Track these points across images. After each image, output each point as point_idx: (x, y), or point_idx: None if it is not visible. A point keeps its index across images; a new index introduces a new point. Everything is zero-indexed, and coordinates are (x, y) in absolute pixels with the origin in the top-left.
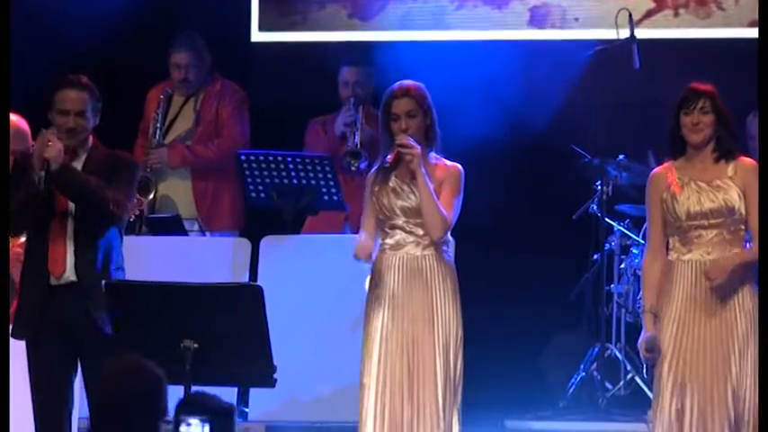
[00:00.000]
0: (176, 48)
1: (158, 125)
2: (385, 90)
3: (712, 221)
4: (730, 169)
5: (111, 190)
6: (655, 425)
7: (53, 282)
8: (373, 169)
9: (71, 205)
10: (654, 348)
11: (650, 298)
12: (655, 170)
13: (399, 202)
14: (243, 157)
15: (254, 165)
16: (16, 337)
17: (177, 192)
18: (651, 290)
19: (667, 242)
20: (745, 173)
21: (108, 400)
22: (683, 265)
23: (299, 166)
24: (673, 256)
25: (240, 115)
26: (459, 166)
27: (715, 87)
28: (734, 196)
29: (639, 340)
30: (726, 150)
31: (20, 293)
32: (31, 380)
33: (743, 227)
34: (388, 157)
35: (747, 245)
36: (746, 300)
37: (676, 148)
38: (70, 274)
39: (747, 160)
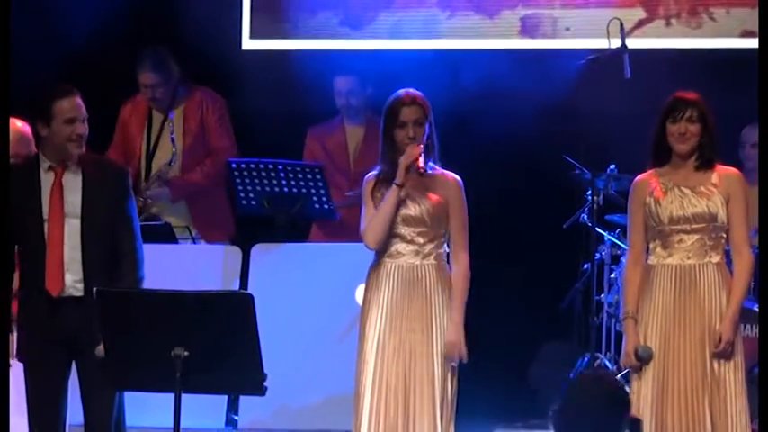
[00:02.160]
0: (141, 68)
1: (146, 159)
2: (379, 98)
3: (695, 226)
4: (714, 177)
5: (127, 237)
6: None
7: (54, 297)
8: (371, 174)
9: (67, 227)
10: (646, 359)
11: (632, 303)
12: (638, 177)
13: (402, 210)
14: (233, 165)
15: (244, 173)
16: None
17: (172, 207)
18: (632, 295)
19: (647, 247)
20: (730, 183)
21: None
22: (664, 269)
23: (290, 174)
24: (653, 260)
25: (226, 127)
26: (458, 177)
27: (701, 96)
28: (717, 203)
29: (626, 346)
30: (706, 159)
31: (20, 312)
32: (27, 383)
33: (724, 235)
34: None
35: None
36: (725, 305)
37: (661, 156)
38: (71, 290)
39: (729, 169)
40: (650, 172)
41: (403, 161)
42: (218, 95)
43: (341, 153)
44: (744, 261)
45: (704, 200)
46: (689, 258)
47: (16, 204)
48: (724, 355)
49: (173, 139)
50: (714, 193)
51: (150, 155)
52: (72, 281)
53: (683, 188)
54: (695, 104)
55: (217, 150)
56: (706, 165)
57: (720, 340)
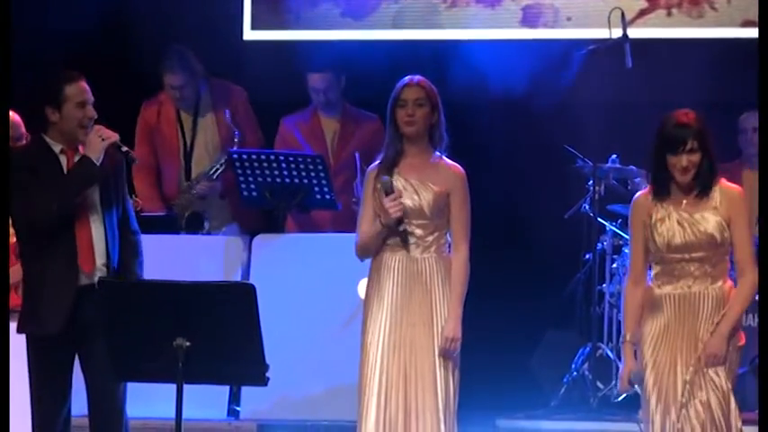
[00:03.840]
0: (166, 69)
1: (185, 159)
2: (374, 90)
3: (694, 255)
4: (714, 200)
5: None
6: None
7: (84, 280)
8: (374, 164)
9: (97, 204)
10: (638, 383)
11: (631, 328)
12: (637, 195)
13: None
14: (235, 156)
15: (246, 164)
16: (24, 331)
17: (213, 205)
18: (632, 319)
19: (650, 266)
20: (732, 203)
21: None
22: (666, 298)
23: (292, 165)
24: (655, 285)
25: (254, 120)
26: (461, 168)
27: (697, 115)
28: (717, 228)
29: (621, 371)
30: (706, 186)
31: (32, 290)
32: (30, 375)
33: (727, 257)
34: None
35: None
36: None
37: (662, 187)
38: (98, 272)
39: (731, 186)
40: (649, 189)
41: (384, 221)
42: (241, 88)
43: (319, 145)
44: (746, 281)
45: (703, 226)
46: (689, 287)
47: (32, 186)
48: (709, 364)
49: (237, 134)
50: (713, 218)
51: (188, 155)
52: (99, 263)
53: (681, 213)
54: (693, 132)
55: (250, 145)
56: (706, 191)
57: (705, 351)
